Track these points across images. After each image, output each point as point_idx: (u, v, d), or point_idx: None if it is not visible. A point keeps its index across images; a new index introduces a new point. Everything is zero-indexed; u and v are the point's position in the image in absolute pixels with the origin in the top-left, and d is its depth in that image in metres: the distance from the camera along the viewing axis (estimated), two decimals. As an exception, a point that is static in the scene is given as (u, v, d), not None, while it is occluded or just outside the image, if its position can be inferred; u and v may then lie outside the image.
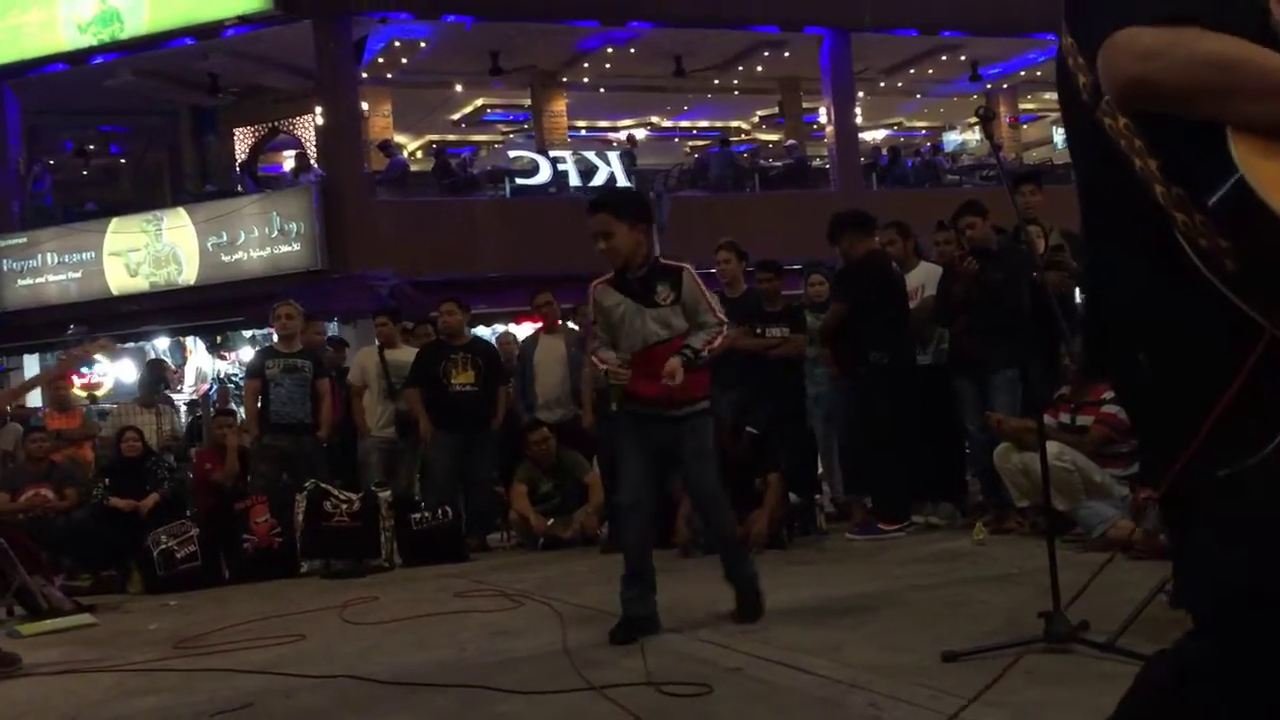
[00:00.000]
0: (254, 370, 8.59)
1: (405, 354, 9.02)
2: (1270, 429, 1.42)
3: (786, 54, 21.00)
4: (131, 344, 16.62)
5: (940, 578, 5.43)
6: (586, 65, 21.33)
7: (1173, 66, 1.42)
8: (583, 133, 24.14)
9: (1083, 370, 5.91)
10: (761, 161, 22.09)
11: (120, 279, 16.96)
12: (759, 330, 7.49)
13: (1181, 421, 1.49)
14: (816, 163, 21.69)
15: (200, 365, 17.80)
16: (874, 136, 25.86)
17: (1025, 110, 26.17)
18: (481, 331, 12.48)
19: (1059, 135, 25.84)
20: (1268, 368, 1.42)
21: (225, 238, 16.65)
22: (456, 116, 24.30)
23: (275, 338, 8.81)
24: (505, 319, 15.07)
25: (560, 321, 9.28)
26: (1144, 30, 1.45)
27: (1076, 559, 5.18)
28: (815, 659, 3.91)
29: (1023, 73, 23.45)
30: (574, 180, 18.48)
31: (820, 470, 8.18)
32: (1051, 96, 26.65)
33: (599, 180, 18.53)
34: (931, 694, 3.31)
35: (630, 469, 4.74)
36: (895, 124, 27.30)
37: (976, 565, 5.67)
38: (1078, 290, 7.50)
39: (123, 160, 21.64)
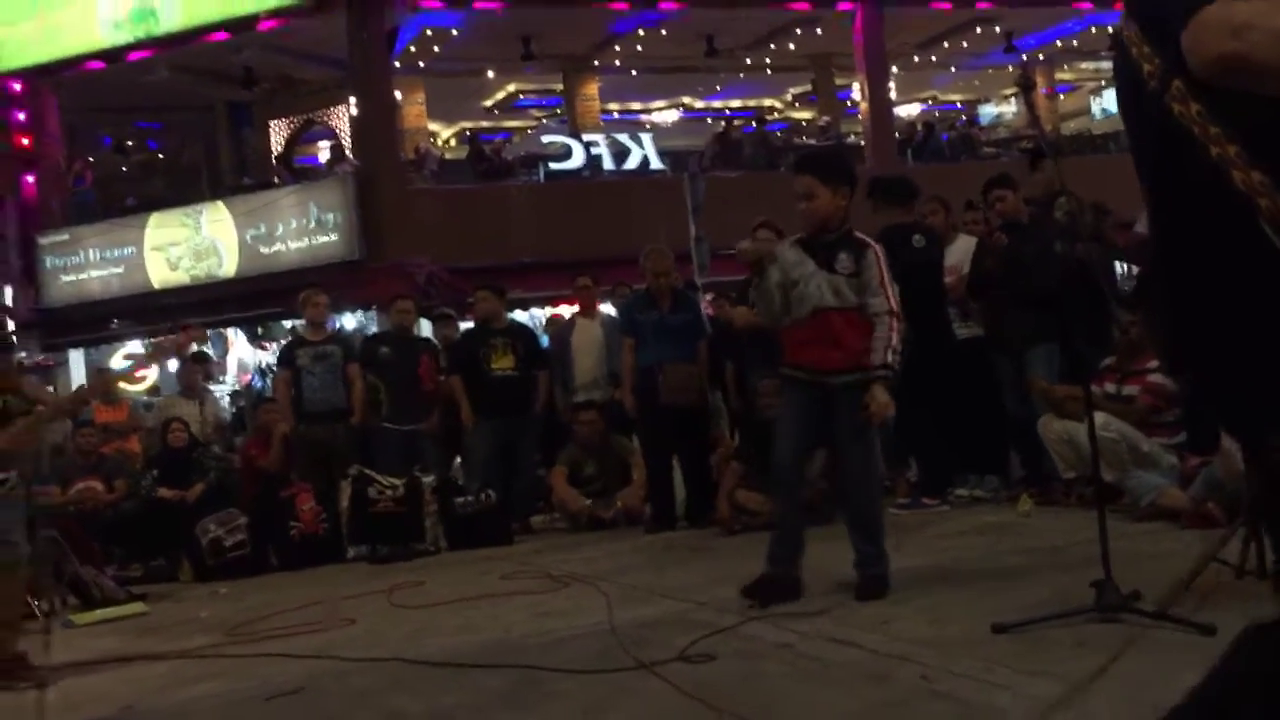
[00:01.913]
0: (284, 360, 8.70)
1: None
2: None
3: (819, 30, 20.83)
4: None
5: (987, 550, 5.40)
6: (618, 48, 21.26)
7: (1269, 40, 1.39)
8: (615, 116, 24.09)
9: (1165, 365, 5.83)
10: (796, 140, 21.96)
11: (161, 273, 17.13)
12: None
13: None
14: (851, 139, 21.54)
15: (241, 356, 17.96)
16: (908, 111, 25.63)
17: (1061, 80, 25.84)
18: (519, 316, 12.52)
19: (1096, 105, 25.54)
20: None
21: (264, 230, 16.78)
22: (489, 103, 24.31)
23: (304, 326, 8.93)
24: (541, 303, 15.11)
25: (597, 305, 9.29)
26: (1233, 4, 1.42)
27: (1125, 529, 5.14)
28: (865, 634, 3.90)
29: (1059, 43, 23.12)
30: (607, 164, 18.46)
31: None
32: (1088, 66, 26.48)
33: (632, 163, 18.52)
34: (983, 665, 3.30)
35: (787, 435, 4.74)
36: (930, 98, 27.02)
37: (1023, 537, 5.64)
38: (1118, 262, 7.44)
39: (160, 155, 21.82)
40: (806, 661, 3.69)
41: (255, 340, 17.81)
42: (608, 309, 9.40)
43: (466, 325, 9.50)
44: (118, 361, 15.87)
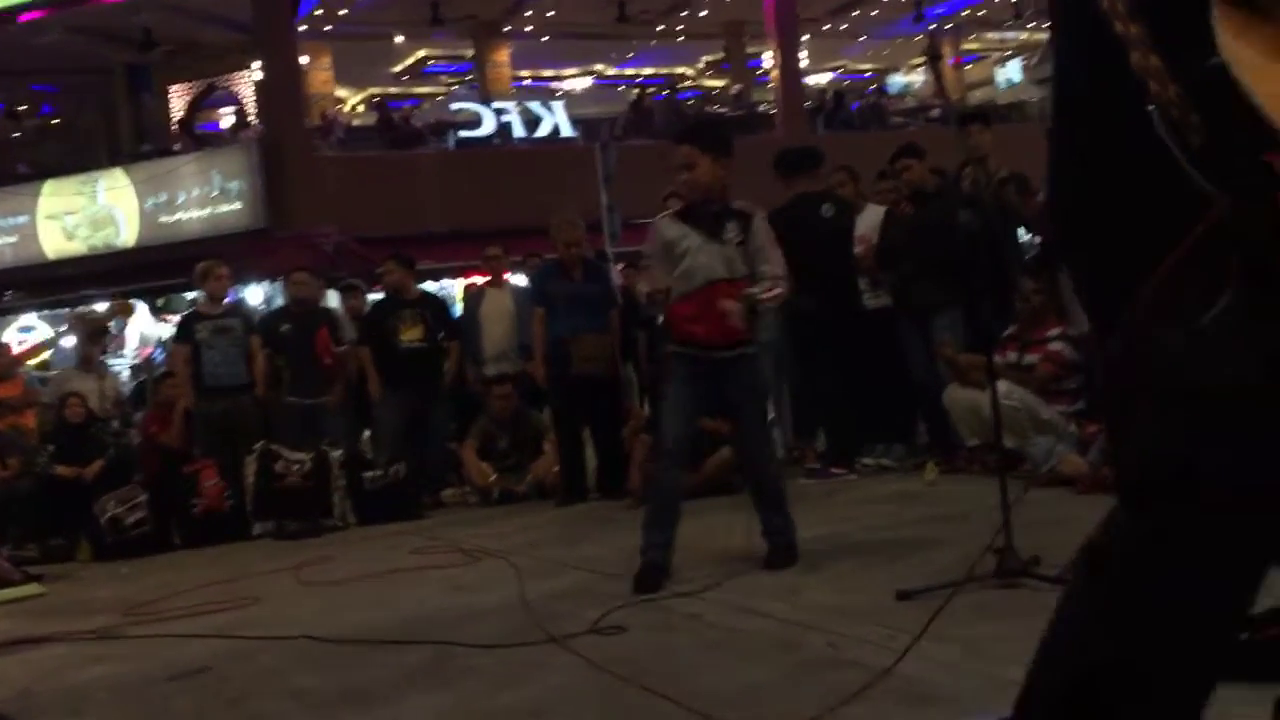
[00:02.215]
0: (182, 334, 8.50)
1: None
2: (1208, 304, 1.42)
3: (730, -2, 20.90)
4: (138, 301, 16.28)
5: (893, 518, 5.48)
6: (529, 14, 21.08)
7: None
8: (527, 83, 23.88)
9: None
10: (707, 108, 21.99)
11: (56, 242, 16.63)
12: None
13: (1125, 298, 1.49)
14: (762, 108, 21.63)
15: (142, 329, 17.52)
16: (819, 80, 25.80)
17: (968, 50, 26.21)
18: (429, 287, 12.37)
19: (1001, 75, 25.93)
20: (1212, 245, 1.41)
21: (164, 198, 16.36)
22: (398, 69, 23.96)
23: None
24: (452, 274, 14.97)
25: (507, 275, 9.22)
26: None
27: (1027, 495, 5.25)
28: (773, 603, 3.93)
29: (965, 12, 23.45)
30: (518, 131, 18.32)
31: (771, 416, 8.21)
32: (994, 36, 26.88)
33: (543, 131, 18.39)
34: (888, 632, 3.35)
35: (675, 410, 4.66)
36: (840, 67, 27.23)
37: (929, 505, 5.73)
38: (1022, 230, 7.57)
39: (56, 120, 21.14)
40: (716, 631, 3.71)
41: (157, 312, 17.38)
42: (519, 279, 9.33)
43: (376, 296, 9.37)
44: (11, 335, 15.39)
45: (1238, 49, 1.37)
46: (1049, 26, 1.75)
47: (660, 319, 4.91)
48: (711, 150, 4.65)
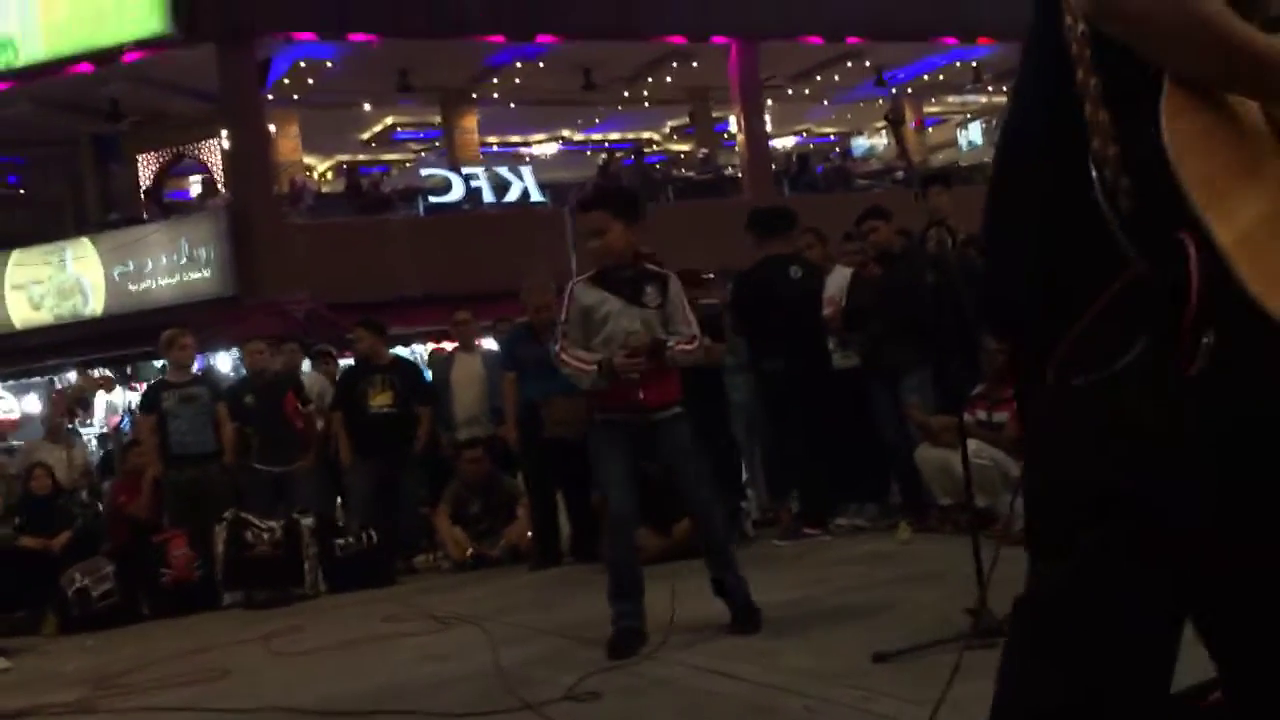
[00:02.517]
0: (148, 404, 8.46)
1: (312, 380, 9.01)
2: (1123, 351, 1.48)
3: (695, 64, 21.15)
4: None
5: (868, 579, 5.47)
6: (496, 81, 21.28)
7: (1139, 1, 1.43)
8: (494, 148, 24.06)
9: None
10: (675, 172, 22.22)
11: (23, 312, 16.54)
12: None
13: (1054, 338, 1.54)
14: (729, 171, 21.86)
15: (110, 398, 17.38)
16: (784, 144, 26.13)
17: (930, 113, 26.64)
18: (401, 352, 12.37)
19: (963, 137, 26.35)
20: (1129, 300, 1.47)
21: (132, 267, 16.33)
22: (366, 136, 24.09)
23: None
24: (423, 339, 14.97)
25: (478, 339, 9.24)
26: None
27: (1002, 553, 5.26)
28: (748, 666, 3.92)
29: (926, 76, 23.85)
30: (488, 196, 18.44)
31: (745, 478, 8.22)
32: (955, 99, 27.34)
33: (512, 196, 18.52)
34: (864, 695, 3.34)
35: (615, 479, 4.58)
36: (804, 130, 27.60)
37: (903, 565, 5.73)
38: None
39: (22, 191, 21.09)
40: (691, 695, 3.69)
41: (125, 381, 17.26)
42: (490, 344, 9.33)
43: (348, 362, 9.37)
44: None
45: (1175, 127, 1.42)
46: (1019, 64, 1.80)
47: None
48: (623, 215, 4.61)
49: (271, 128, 19.09)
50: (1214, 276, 1.40)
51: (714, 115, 23.36)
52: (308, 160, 22.89)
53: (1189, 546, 1.52)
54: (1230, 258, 1.40)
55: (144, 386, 16.80)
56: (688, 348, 4.61)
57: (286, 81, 19.47)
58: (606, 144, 25.43)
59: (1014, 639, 1.63)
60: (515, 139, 25.23)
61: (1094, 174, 1.49)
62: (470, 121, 22.03)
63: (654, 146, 26.48)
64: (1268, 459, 1.58)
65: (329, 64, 19.21)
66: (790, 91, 23.79)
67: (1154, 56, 1.46)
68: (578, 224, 4.74)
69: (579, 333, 4.63)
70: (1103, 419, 1.52)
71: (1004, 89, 21.74)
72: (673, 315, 4.64)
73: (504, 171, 19.06)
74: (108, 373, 16.79)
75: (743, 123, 20.55)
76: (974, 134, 25.81)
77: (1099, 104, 1.50)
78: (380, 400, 8.18)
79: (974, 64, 23.07)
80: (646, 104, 23.89)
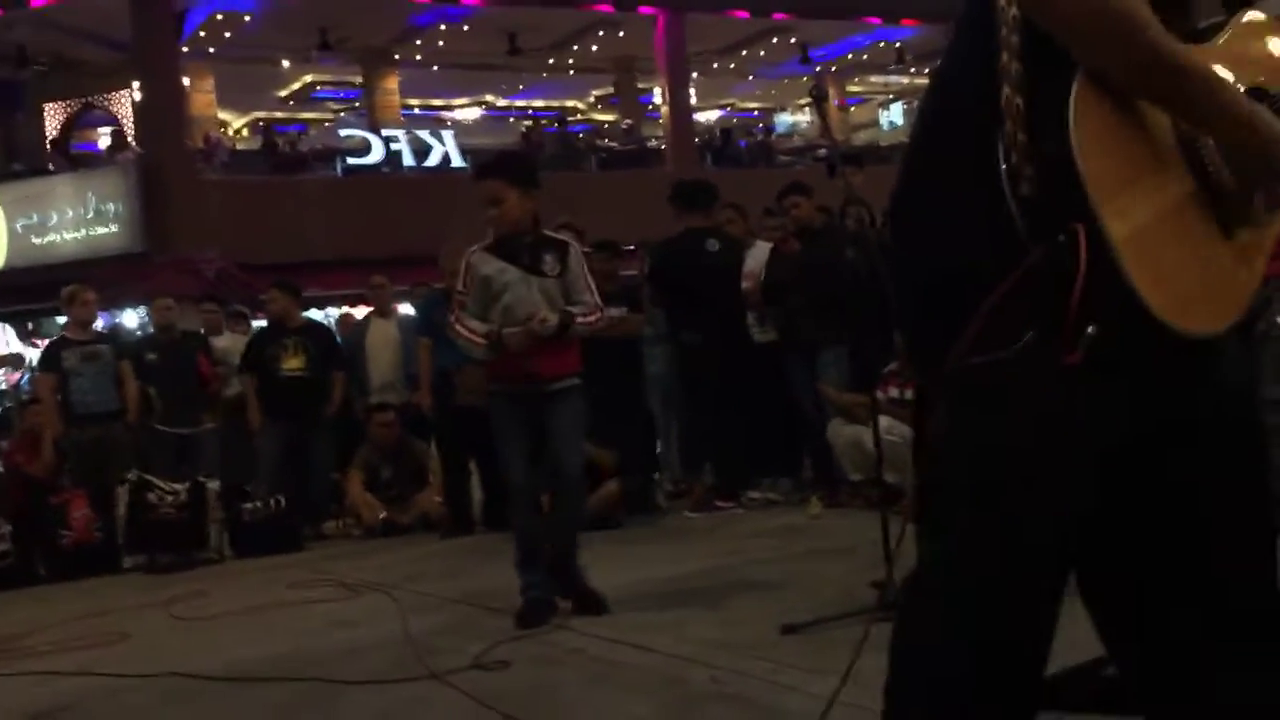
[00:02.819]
0: (47, 362, 8.22)
1: (231, 341, 8.80)
2: (1017, 337, 1.50)
3: (621, 34, 21.06)
4: None
5: (778, 552, 5.52)
6: (419, 42, 20.97)
7: None
8: (416, 111, 23.73)
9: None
10: (598, 142, 22.13)
11: (-80, 263, 15.97)
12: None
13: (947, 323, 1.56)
14: (652, 143, 21.83)
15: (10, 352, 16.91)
16: (708, 117, 26.15)
17: (852, 93, 26.83)
18: (316, 315, 12.17)
19: (885, 117, 26.60)
20: (1026, 288, 1.49)
21: (36, 219, 15.84)
22: (284, 93, 23.60)
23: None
24: (338, 302, 14.75)
25: (394, 304, 9.12)
26: None
27: (908, 529, 5.34)
28: (657, 637, 3.92)
29: (850, 55, 24.02)
30: (408, 160, 18.18)
31: (660, 449, 8.24)
32: (878, 79, 27.55)
33: (433, 160, 18.28)
34: (772, 666, 3.37)
35: (513, 451, 4.53)
36: (729, 105, 27.65)
37: (813, 539, 5.79)
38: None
39: (-79, 137, 20.34)
40: (600, 666, 3.69)
41: (27, 337, 16.78)
42: (407, 309, 9.22)
43: (260, 324, 9.19)
44: None
45: (1083, 122, 1.45)
46: (948, 44, 1.82)
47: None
48: (519, 183, 4.57)
49: (186, 81, 18.60)
50: (1102, 269, 1.43)
51: (639, 86, 23.28)
52: (223, 116, 22.37)
53: (1067, 527, 1.57)
54: (1120, 253, 1.44)
55: (45, 343, 16.43)
56: (589, 319, 4.59)
57: (203, 34, 18.98)
58: (530, 111, 25.23)
59: (905, 613, 1.67)
60: (438, 102, 24.90)
61: (1001, 157, 1.51)
62: (392, 82, 21.70)
63: (578, 116, 26.33)
64: (1140, 451, 1.64)
65: (247, 17, 18.77)
66: (716, 65, 23.80)
67: (1076, 50, 1.48)
68: (475, 192, 4.64)
69: (477, 303, 4.57)
70: (988, 401, 1.56)
71: (926, 70, 21.98)
72: (573, 284, 4.60)
73: (425, 135, 18.80)
74: (8, 327, 16.33)
75: (668, 95, 20.52)
76: (895, 114, 26.07)
77: (1016, 89, 1.51)
78: (292, 364, 8.04)
79: (898, 45, 23.28)
80: (572, 72, 23.74)
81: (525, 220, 4.59)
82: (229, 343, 9.08)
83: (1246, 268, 1.64)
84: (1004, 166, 1.50)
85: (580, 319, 4.54)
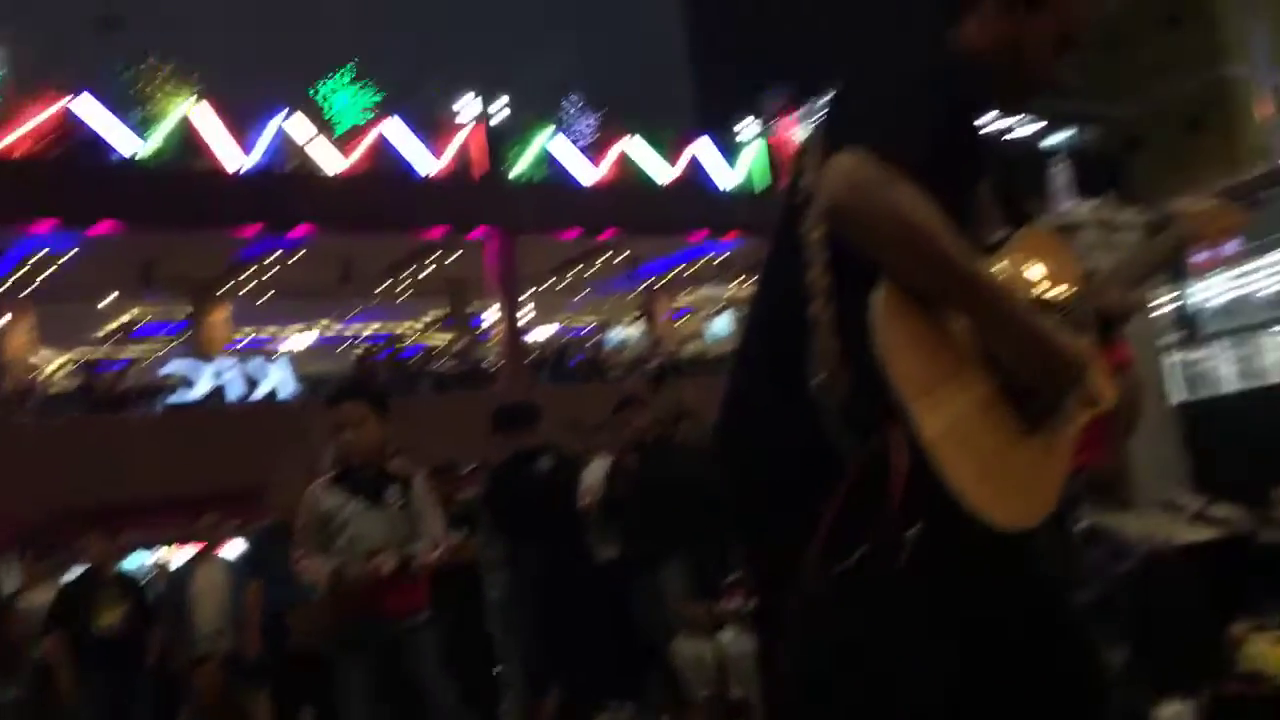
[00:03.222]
0: None
1: (42, 595, 8.26)
2: (850, 547, 1.53)
3: (454, 257, 21.38)
4: None
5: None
6: (248, 273, 20.87)
7: (869, 208, 1.53)
8: (247, 341, 23.44)
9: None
10: (431, 365, 22.17)
11: None
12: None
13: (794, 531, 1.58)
14: (486, 363, 21.98)
15: None
16: (541, 334, 26.54)
17: (681, 305, 27.67)
18: (140, 557, 11.58)
19: (713, 328, 27.44)
20: (856, 496, 1.53)
21: None
22: (108, 330, 23.05)
23: None
24: (165, 543, 14.08)
25: (224, 544, 8.75)
26: (866, 161, 1.54)
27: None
28: None
29: (677, 270, 24.86)
30: (239, 390, 17.83)
31: (503, 671, 7.96)
32: (705, 292, 28.56)
33: (264, 390, 17.97)
34: None
35: (360, 697, 4.28)
36: (561, 321, 28.15)
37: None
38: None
39: None
40: None
41: None
42: (237, 547, 8.83)
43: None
44: None
45: (888, 328, 1.51)
46: (764, 260, 1.90)
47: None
48: (379, 408, 4.52)
49: (3, 320, 18.01)
50: (919, 469, 1.47)
51: (471, 307, 23.56)
52: (45, 354, 21.66)
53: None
54: (933, 452, 1.48)
55: None
56: (432, 556, 4.46)
57: (22, 271, 18.52)
58: (363, 336, 25.20)
59: None
60: (269, 330, 24.67)
61: (816, 366, 1.55)
62: (221, 314, 21.46)
63: (411, 338, 26.40)
64: (975, 645, 1.66)
65: (68, 256, 18.40)
66: (548, 284, 24.31)
67: (878, 260, 1.55)
68: (331, 416, 4.52)
69: (317, 538, 4.41)
70: (836, 610, 1.58)
71: (751, 281, 22.85)
72: (418, 516, 4.49)
73: (257, 365, 18.53)
74: None
75: (500, 315, 20.78)
76: (722, 325, 26.94)
77: (825, 301, 1.58)
78: (109, 618, 7.56)
79: (723, 257, 24.23)
80: (403, 296, 23.91)
81: (377, 447, 4.50)
82: (42, 595, 8.50)
83: (1051, 463, 1.70)
84: (819, 375, 1.54)
85: (420, 560, 4.40)
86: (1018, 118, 29.48)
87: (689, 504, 6.41)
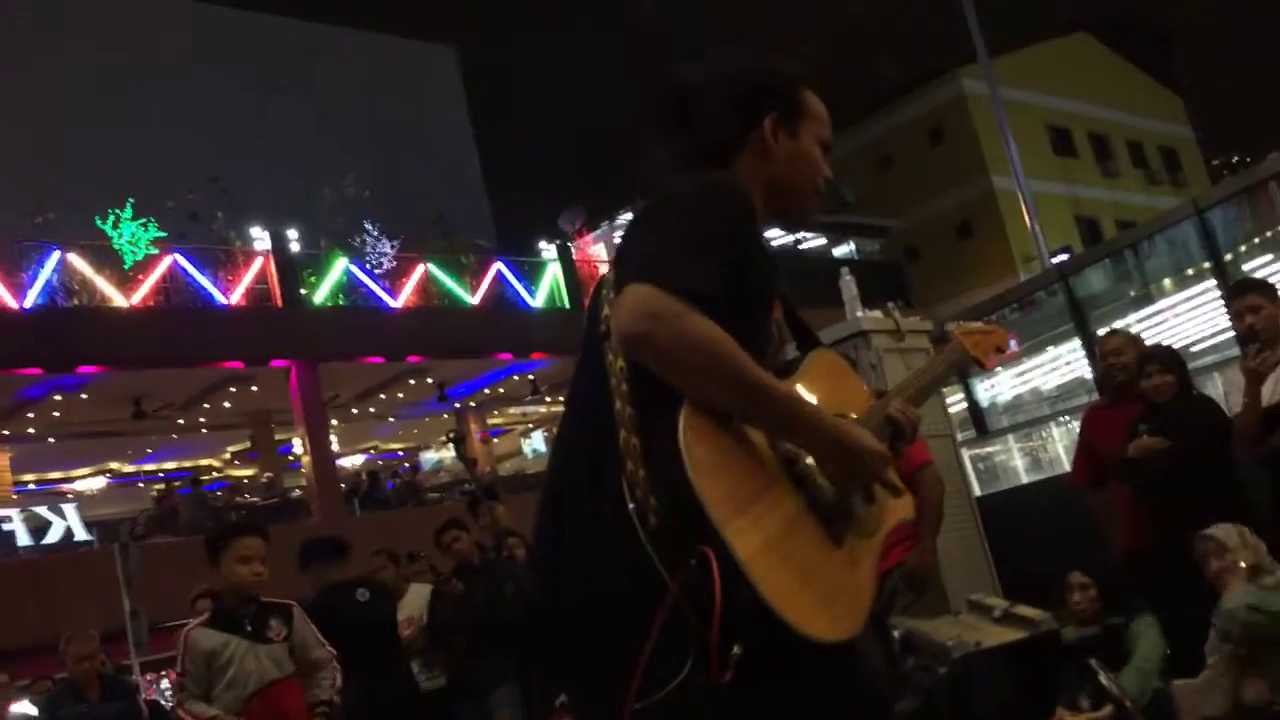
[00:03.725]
0: None
1: None
2: (675, 670, 1.55)
3: (254, 388, 20.77)
4: None
5: None
6: (31, 415, 19.76)
7: (665, 334, 1.58)
8: (31, 486, 22.08)
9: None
10: (237, 498, 21.35)
11: None
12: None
13: (615, 659, 1.59)
14: (296, 494, 21.29)
15: None
16: (352, 462, 25.93)
17: (494, 425, 27.53)
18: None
19: (528, 445, 27.38)
20: (673, 618, 1.55)
21: None
22: None
23: None
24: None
25: (9, 705, 8.15)
26: (659, 293, 1.60)
27: None
28: None
29: (486, 390, 24.78)
30: (23, 539, 16.75)
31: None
32: (516, 410, 28.45)
33: (53, 537, 16.95)
34: None
35: None
36: (372, 447, 27.59)
37: None
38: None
39: None
40: None
41: None
42: (27, 708, 8.24)
43: None
44: None
45: (695, 450, 1.57)
46: (570, 387, 1.94)
47: None
48: (265, 540, 4.58)
49: None
50: (736, 588, 1.52)
51: (277, 437, 22.85)
52: None
53: None
54: (749, 571, 1.53)
55: None
56: (337, 685, 4.60)
57: None
58: (161, 474, 24.07)
59: None
60: (56, 475, 23.31)
61: (628, 495, 1.59)
62: (2, 460, 20.18)
63: (213, 473, 25.38)
64: None
65: None
66: (355, 411, 23.84)
67: (676, 382, 1.61)
68: (236, 550, 4.45)
69: (199, 682, 4.33)
70: None
71: (561, 398, 22.96)
72: (303, 646, 4.53)
73: (43, 511, 17.47)
74: None
75: (307, 444, 20.22)
76: (538, 441, 26.90)
77: (632, 430, 1.63)
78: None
79: (530, 377, 24.31)
80: (204, 430, 23.02)
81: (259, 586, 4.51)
82: None
83: (860, 572, 1.77)
84: (631, 505, 1.58)
85: (334, 696, 4.54)
86: (807, 233, 30.93)
87: (517, 627, 6.34)
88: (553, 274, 23.38)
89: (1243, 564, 4.33)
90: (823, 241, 31.90)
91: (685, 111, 1.98)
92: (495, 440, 27.72)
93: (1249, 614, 4.11)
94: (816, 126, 2.02)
